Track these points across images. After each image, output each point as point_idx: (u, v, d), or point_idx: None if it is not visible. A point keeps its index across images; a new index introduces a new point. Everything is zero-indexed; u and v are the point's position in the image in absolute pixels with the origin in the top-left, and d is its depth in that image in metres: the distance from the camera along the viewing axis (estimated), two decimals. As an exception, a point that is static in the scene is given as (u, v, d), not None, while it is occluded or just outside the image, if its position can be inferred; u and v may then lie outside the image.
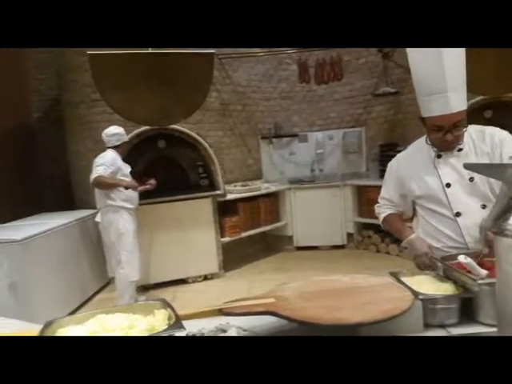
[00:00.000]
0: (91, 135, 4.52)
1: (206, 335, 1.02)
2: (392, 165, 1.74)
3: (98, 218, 3.57)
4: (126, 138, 3.60)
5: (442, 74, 1.37)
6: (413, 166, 1.62)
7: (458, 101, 1.40)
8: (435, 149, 1.56)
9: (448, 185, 1.51)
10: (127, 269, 3.42)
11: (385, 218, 1.76)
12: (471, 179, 1.46)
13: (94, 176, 3.23)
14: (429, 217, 1.59)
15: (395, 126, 5.28)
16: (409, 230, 1.63)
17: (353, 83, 5.49)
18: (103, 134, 3.52)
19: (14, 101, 4.81)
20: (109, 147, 3.50)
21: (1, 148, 4.41)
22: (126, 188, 3.42)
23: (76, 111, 4.57)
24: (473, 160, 1.46)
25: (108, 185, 3.37)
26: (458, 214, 1.48)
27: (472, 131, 1.52)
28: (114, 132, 3.51)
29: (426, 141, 1.60)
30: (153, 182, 3.60)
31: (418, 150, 1.65)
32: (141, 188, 3.53)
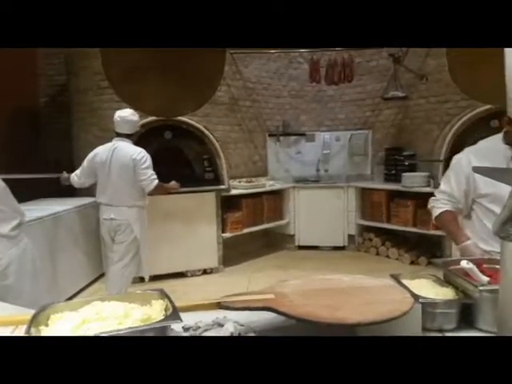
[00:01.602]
0: (97, 122, 4.53)
1: (202, 329, 1.01)
2: (460, 158, 1.71)
3: (113, 215, 3.10)
4: (138, 128, 3.28)
5: None
6: (484, 163, 1.57)
7: None
8: None
9: None
10: (144, 265, 3.28)
11: (440, 215, 1.70)
12: None
13: (155, 182, 3.04)
14: (487, 218, 1.56)
15: (402, 130, 5.26)
16: (465, 235, 1.60)
17: (363, 85, 5.47)
18: (118, 118, 3.10)
19: (21, 85, 4.82)
20: (121, 134, 3.12)
21: (6, 130, 4.43)
22: (173, 189, 3.34)
23: (83, 98, 4.58)
24: None
25: (164, 191, 3.27)
26: None
27: None
28: (133, 119, 3.14)
29: (503, 140, 1.57)
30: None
31: (492, 148, 1.62)
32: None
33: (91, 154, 3.17)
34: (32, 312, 0.90)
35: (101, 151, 3.13)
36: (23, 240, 1.77)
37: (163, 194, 3.35)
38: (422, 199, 4.58)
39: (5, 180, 1.75)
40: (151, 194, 3.16)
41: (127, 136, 3.14)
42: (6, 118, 4.48)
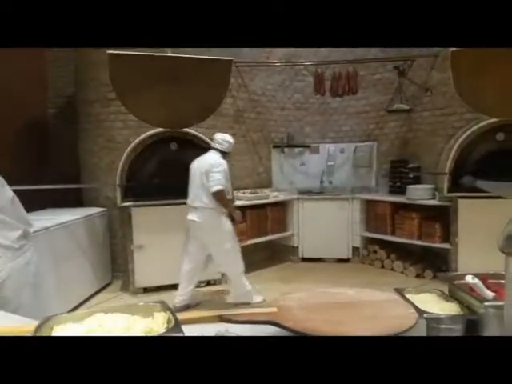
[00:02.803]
0: (104, 134, 4.58)
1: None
2: None
3: (191, 217, 3.54)
4: (231, 150, 3.70)
5: None
6: None
7: None
8: None
9: None
10: (235, 262, 3.61)
11: None
12: None
13: (219, 187, 3.37)
14: None
15: (407, 142, 5.26)
16: None
17: (367, 98, 5.49)
18: (219, 137, 3.60)
19: (30, 96, 4.89)
20: (215, 148, 3.57)
21: (15, 140, 4.48)
22: (232, 217, 3.59)
23: (90, 109, 4.63)
24: None
25: (225, 202, 3.52)
26: None
27: None
28: (229, 141, 3.62)
29: None
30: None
31: None
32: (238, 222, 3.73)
33: (190, 166, 3.63)
34: (36, 323, 0.90)
35: (195, 161, 3.62)
36: (28, 252, 1.75)
37: (224, 205, 3.53)
38: (427, 212, 4.57)
39: (16, 190, 1.75)
40: (214, 197, 3.43)
41: (220, 152, 3.56)
42: (16, 128, 4.54)
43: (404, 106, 4.88)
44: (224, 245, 3.55)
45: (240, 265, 3.66)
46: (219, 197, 3.43)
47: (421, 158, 4.98)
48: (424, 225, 4.55)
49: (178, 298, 3.65)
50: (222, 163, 3.48)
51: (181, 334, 0.84)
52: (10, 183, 1.73)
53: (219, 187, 3.38)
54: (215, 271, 4.01)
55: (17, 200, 1.75)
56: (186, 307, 3.65)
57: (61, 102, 5.36)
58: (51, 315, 0.93)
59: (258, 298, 3.75)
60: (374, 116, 5.51)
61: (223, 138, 3.60)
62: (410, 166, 4.97)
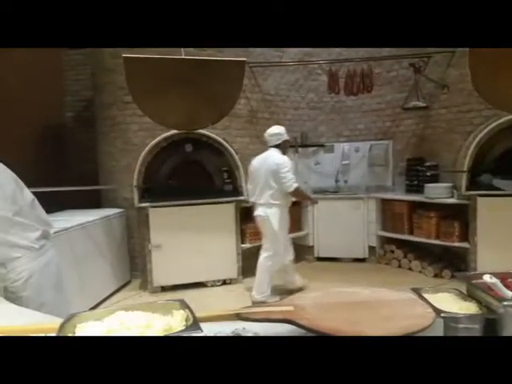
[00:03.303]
0: (121, 136, 4.65)
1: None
2: None
3: (258, 212, 3.76)
4: (286, 137, 3.78)
5: None
6: None
7: None
8: None
9: None
10: (277, 257, 3.75)
11: None
12: None
13: (295, 185, 3.60)
14: None
15: (423, 140, 5.18)
16: None
17: (382, 96, 5.43)
18: (266, 134, 3.77)
19: (49, 100, 5.01)
20: (271, 146, 3.74)
21: (34, 144, 4.60)
22: (309, 201, 3.98)
23: (107, 112, 4.71)
24: None
25: (303, 195, 3.85)
26: None
27: None
28: (275, 132, 3.75)
29: None
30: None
31: None
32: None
33: (251, 163, 3.85)
34: (60, 320, 0.93)
35: (255, 160, 3.83)
36: (48, 252, 1.79)
37: (300, 199, 3.85)
38: (445, 210, 4.49)
39: (36, 192, 1.80)
40: (291, 195, 3.67)
41: (276, 146, 3.73)
42: (34, 132, 4.66)
43: (421, 104, 4.80)
44: (273, 239, 3.72)
45: (275, 262, 3.76)
46: (297, 193, 3.69)
47: (438, 156, 4.90)
48: (442, 224, 4.47)
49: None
50: (287, 161, 3.66)
51: (199, 331, 0.86)
52: (29, 186, 1.78)
53: (296, 185, 3.61)
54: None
55: (36, 202, 1.79)
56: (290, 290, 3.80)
57: (78, 106, 5.48)
58: (75, 313, 0.96)
59: (274, 298, 3.76)
60: (389, 114, 5.44)
61: (273, 132, 3.73)
62: (428, 164, 4.89)
